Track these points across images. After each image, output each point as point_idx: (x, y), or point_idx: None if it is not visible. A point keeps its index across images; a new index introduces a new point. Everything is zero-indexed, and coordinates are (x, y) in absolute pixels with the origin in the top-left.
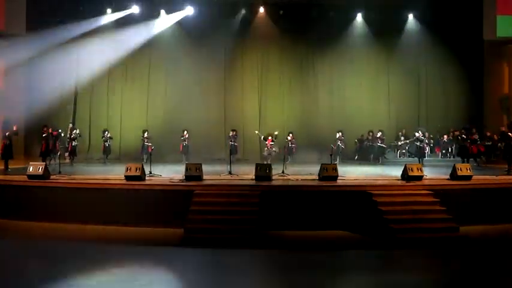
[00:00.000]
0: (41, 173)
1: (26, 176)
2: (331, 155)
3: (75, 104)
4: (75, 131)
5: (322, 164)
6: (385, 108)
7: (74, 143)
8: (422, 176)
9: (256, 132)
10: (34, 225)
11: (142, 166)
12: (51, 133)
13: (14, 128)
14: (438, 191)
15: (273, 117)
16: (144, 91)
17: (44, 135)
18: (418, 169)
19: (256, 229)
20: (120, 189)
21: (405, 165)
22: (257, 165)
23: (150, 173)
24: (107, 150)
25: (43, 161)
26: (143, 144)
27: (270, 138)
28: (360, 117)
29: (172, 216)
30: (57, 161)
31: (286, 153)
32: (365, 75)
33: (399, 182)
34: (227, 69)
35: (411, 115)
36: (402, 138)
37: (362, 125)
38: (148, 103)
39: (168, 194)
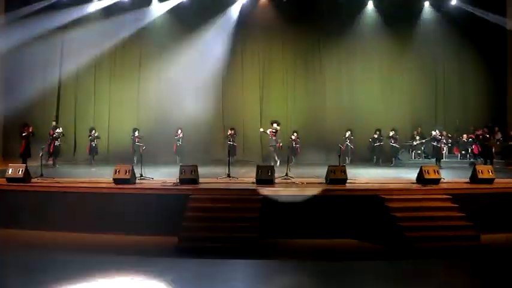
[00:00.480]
0: (21, 176)
1: (5, 179)
2: (339, 155)
3: (58, 99)
4: (57, 129)
5: (329, 166)
6: (399, 105)
7: (56, 143)
8: (439, 179)
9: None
10: (13, 232)
11: (133, 168)
12: (30, 132)
13: None
14: (457, 196)
15: (276, 115)
16: (134, 86)
17: (23, 134)
18: (434, 171)
19: (258, 237)
20: (108, 194)
21: (421, 167)
22: (258, 167)
23: (141, 175)
24: (93, 151)
25: (23, 163)
26: (133, 144)
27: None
28: (371, 114)
29: (165, 223)
30: (42, 162)
31: (290, 154)
32: (377, 69)
33: (414, 186)
34: (225, 62)
35: (427, 112)
36: (417, 137)
37: (373, 123)
38: (138, 99)
39: (160, 199)
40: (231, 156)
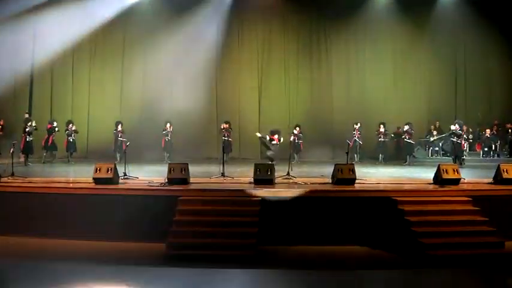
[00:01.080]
0: None
1: None
2: (347, 152)
3: (31, 90)
4: (30, 123)
5: (336, 165)
6: (414, 97)
7: (28, 138)
8: (459, 180)
9: (258, 134)
10: None
11: (115, 166)
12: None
13: None
14: (479, 198)
15: (276, 108)
16: (117, 75)
17: None
18: (454, 171)
19: (256, 244)
20: (88, 195)
21: (438, 165)
22: (256, 165)
23: (125, 174)
24: (71, 147)
25: None
26: (116, 139)
27: (276, 136)
28: (383, 107)
29: (152, 228)
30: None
31: (292, 151)
32: (389, 57)
33: (431, 187)
34: (220, 48)
35: (446, 105)
36: (435, 132)
37: (385, 117)
38: (122, 89)
39: (146, 201)
40: (226, 153)
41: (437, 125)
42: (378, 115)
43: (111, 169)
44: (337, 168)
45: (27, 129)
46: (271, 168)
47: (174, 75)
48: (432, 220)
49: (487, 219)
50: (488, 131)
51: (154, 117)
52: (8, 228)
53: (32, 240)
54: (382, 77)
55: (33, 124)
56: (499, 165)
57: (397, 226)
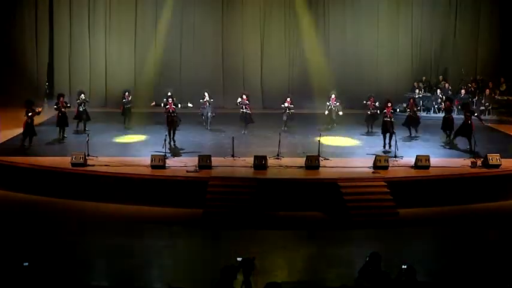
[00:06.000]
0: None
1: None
2: (319, 140)
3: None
4: (81, 95)
5: (307, 156)
6: (404, 53)
7: (81, 108)
8: (387, 166)
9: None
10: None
11: (165, 156)
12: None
13: None
14: (391, 182)
15: (277, 64)
16: (131, 38)
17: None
18: (385, 160)
19: (252, 207)
20: (145, 177)
21: (375, 156)
22: (255, 157)
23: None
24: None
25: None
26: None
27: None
28: (377, 63)
29: (191, 198)
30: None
31: (285, 119)
32: (384, 12)
33: (363, 174)
34: (225, 7)
35: (435, 59)
36: (416, 91)
37: (377, 74)
38: (135, 53)
39: (186, 182)
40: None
41: (424, 79)
42: (370, 72)
43: (162, 159)
44: (308, 159)
45: (78, 101)
46: (265, 159)
47: (184, 32)
48: (359, 198)
49: (392, 197)
50: (463, 91)
51: (166, 74)
52: (84, 196)
53: (101, 204)
54: (377, 33)
55: (84, 97)
56: (417, 156)
57: (338, 201)
